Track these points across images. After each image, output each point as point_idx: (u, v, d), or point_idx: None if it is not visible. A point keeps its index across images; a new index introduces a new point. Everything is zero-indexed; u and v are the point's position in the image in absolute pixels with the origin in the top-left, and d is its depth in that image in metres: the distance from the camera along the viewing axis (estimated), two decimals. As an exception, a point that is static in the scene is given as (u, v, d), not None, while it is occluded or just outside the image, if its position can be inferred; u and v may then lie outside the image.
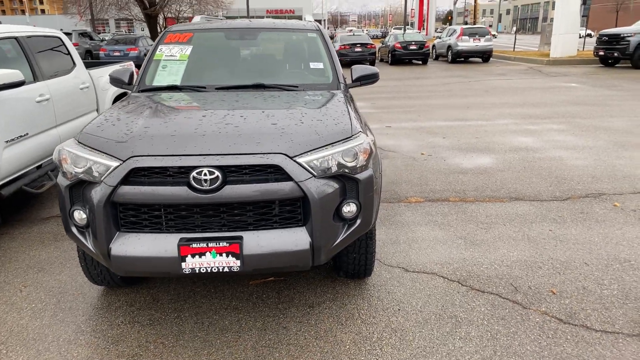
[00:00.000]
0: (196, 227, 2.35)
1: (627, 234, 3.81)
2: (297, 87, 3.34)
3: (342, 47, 19.92)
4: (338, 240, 2.47)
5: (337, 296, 3.02)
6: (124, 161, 2.29)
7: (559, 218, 4.17)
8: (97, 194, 2.28)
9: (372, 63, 20.93)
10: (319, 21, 78.68)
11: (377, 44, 24.40)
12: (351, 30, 64.58)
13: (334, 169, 2.42)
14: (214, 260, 2.29)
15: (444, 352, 2.48)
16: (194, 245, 2.26)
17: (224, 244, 2.27)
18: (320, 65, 3.57)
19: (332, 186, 2.39)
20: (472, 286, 3.10)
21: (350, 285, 3.13)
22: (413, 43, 20.58)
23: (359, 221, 2.54)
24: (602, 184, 5.00)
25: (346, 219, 2.51)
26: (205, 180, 2.23)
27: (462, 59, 21.71)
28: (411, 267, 3.36)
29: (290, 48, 3.78)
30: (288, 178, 2.29)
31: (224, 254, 2.29)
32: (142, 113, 2.71)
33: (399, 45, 20.51)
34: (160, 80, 3.42)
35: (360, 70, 3.61)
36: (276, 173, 2.30)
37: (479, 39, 20.33)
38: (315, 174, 2.35)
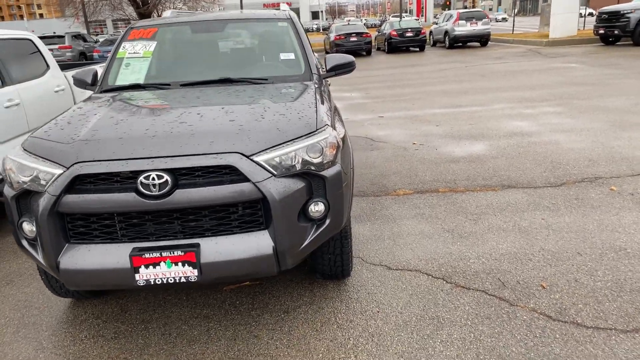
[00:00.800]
0: (150, 236, 2.19)
1: (624, 219, 3.62)
2: (266, 79, 3.17)
3: (337, 37, 19.65)
4: (306, 243, 2.31)
5: (314, 299, 2.86)
6: (67, 168, 2.13)
7: (552, 205, 3.99)
8: (41, 204, 2.13)
9: (369, 52, 20.67)
10: (316, 12, 78.04)
11: (374, 33, 24.08)
12: (349, 20, 64.05)
13: (298, 166, 2.25)
14: (169, 271, 2.14)
15: (422, 358, 2.31)
16: (147, 255, 2.11)
17: (178, 252, 2.11)
18: (291, 56, 3.38)
19: (295, 185, 2.23)
20: (457, 283, 2.93)
21: (329, 287, 2.98)
22: (409, 30, 20.26)
23: (328, 221, 2.37)
24: (598, 168, 4.79)
25: (314, 219, 2.34)
26: (154, 185, 2.07)
27: (460, 44, 21.36)
28: (394, 265, 3.19)
29: (260, 39, 3.59)
30: (244, 179, 2.12)
31: (180, 264, 2.13)
32: (95, 115, 2.55)
33: (395, 33, 20.20)
34: (123, 79, 3.26)
35: (334, 59, 3.42)
36: (232, 174, 2.13)
37: (476, 23, 19.97)
38: (276, 173, 2.18)
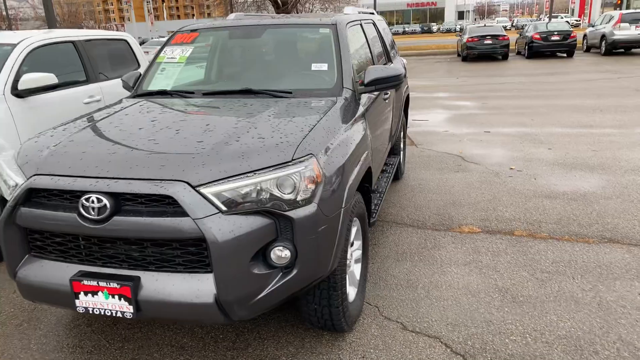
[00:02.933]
0: (97, 260, 2.03)
1: None
2: (290, 92, 2.83)
3: (470, 39, 18.25)
4: (265, 293, 1.94)
5: (299, 351, 2.46)
6: (27, 179, 2.06)
7: (662, 276, 2.99)
8: (3, 213, 2.10)
9: (505, 57, 18.87)
10: (462, 12, 74.29)
11: (515, 36, 21.95)
12: (497, 21, 59.70)
13: (262, 202, 1.89)
14: (107, 302, 1.95)
15: None
16: (86, 282, 1.95)
17: (114, 284, 1.91)
18: (324, 67, 2.98)
19: (252, 224, 1.87)
20: (480, 367, 2.29)
21: (323, 339, 2.55)
22: (555, 33, 17.95)
23: (295, 271, 1.98)
24: None
25: (278, 266, 1.96)
26: (93, 209, 1.89)
27: (622, 50, 18.32)
28: (412, 325, 2.63)
29: (296, 47, 3.25)
30: (185, 213, 1.83)
31: (116, 296, 1.93)
32: (85, 124, 2.48)
33: (538, 36, 18.06)
34: (156, 84, 3.20)
35: (375, 72, 2.94)
36: (174, 205, 1.86)
37: (644, 26, 16.88)
38: (225, 208, 1.85)
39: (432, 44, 28.51)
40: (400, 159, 4.89)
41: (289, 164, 1.97)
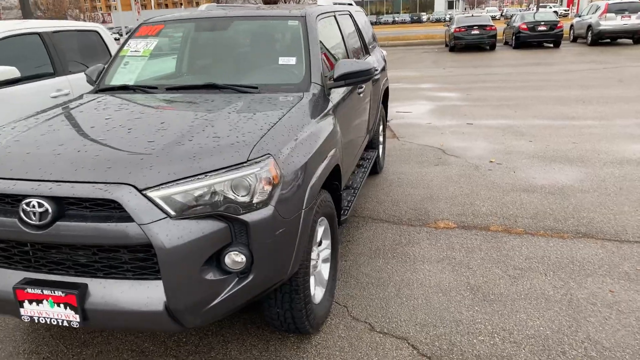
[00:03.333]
0: (42, 267, 1.94)
1: None
2: (255, 87, 2.73)
3: (457, 29, 18.16)
4: (220, 299, 1.87)
5: (263, 355, 2.40)
6: (-31, 181, 1.96)
7: (634, 273, 2.96)
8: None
9: (492, 47, 18.84)
10: (452, 2, 73.97)
11: (502, 26, 21.91)
12: (487, 11, 59.55)
13: (215, 205, 1.81)
14: (52, 311, 1.86)
15: None
16: (30, 290, 1.86)
17: (59, 292, 1.82)
18: (292, 61, 2.88)
19: (203, 229, 1.79)
20: (446, 369, 2.24)
21: (288, 342, 2.49)
22: (542, 23, 17.92)
23: (251, 276, 1.90)
24: None
25: (233, 271, 1.89)
26: (34, 213, 1.79)
27: (608, 40, 18.36)
28: (380, 325, 2.58)
29: (264, 40, 3.14)
30: (130, 218, 1.74)
31: (62, 305, 1.84)
32: (35, 122, 2.37)
33: (525, 27, 18.02)
34: (119, 78, 3.08)
35: (345, 66, 2.85)
36: (120, 210, 1.77)
37: (629, 16, 16.91)
38: (173, 213, 1.77)
39: (420, 34, 28.39)
40: (379, 153, 4.83)
41: (244, 165, 1.88)
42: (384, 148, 5.30)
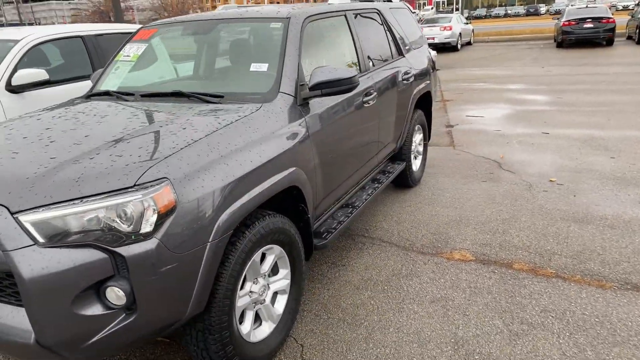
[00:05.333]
0: None
1: None
2: (221, 97, 2.52)
3: (566, 22, 16.22)
4: (101, 336, 1.69)
5: (189, 391, 2.20)
6: None
7: (683, 349, 2.25)
8: None
9: (610, 42, 16.57)
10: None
11: (625, 18, 19.17)
12: (610, 1, 52.95)
13: (89, 234, 1.64)
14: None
15: None
16: None
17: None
18: (263, 68, 2.61)
19: (74, 260, 1.62)
20: None
21: (220, 380, 2.25)
22: (676, 14, 15.31)
23: (137, 313, 1.70)
24: None
25: (115, 307, 1.70)
26: None
27: None
28: (328, 375, 2.24)
29: (244, 44, 2.90)
30: (-1, 242, 1.63)
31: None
32: None
33: (653, 18, 15.55)
34: (107, 84, 3.06)
35: (321, 74, 2.51)
36: (-8, 233, 1.66)
37: None
38: (42, 240, 1.62)
39: (527, 28, 26.03)
40: (411, 165, 4.35)
41: (129, 190, 1.68)
42: (424, 159, 4.79)
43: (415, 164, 4.62)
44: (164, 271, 1.70)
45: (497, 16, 56.63)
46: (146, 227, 1.67)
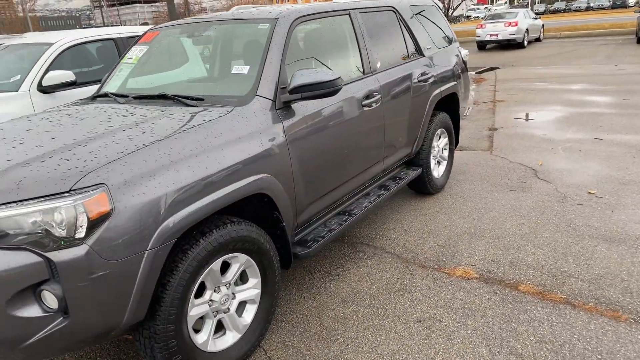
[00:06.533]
0: None
1: None
2: (202, 99, 2.49)
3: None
4: (37, 338, 1.72)
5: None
6: None
7: (696, 401, 1.91)
8: None
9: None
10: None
11: None
12: None
13: (22, 237, 1.67)
14: None
15: None
16: None
17: None
18: (245, 70, 2.55)
19: (8, 262, 1.65)
20: None
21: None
22: None
23: (69, 320, 1.71)
24: None
25: (51, 310, 1.72)
26: None
27: None
28: (285, 393, 2.14)
29: (231, 46, 2.84)
30: (-58, 244, 1.69)
31: None
32: None
33: None
34: (110, 85, 3.14)
35: (301, 77, 2.41)
36: None
37: None
38: (-16, 241, 1.67)
39: (606, 22, 23.98)
40: (429, 172, 4.11)
41: (64, 195, 1.69)
42: (449, 165, 4.52)
43: (438, 170, 4.37)
44: (95, 278, 1.69)
45: (578, 9, 52.83)
46: (79, 233, 1.67)
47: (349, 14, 3.23)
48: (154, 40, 3.16)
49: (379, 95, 3.22)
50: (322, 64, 2.94)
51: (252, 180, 2.20)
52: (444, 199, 4.25)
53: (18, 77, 4.20)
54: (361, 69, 3.20)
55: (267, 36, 2.62)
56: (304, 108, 2.61)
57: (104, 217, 1.71)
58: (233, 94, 2.49)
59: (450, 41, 4.55)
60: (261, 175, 2.26)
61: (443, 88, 4.10)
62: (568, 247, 3.22)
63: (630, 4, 53.89)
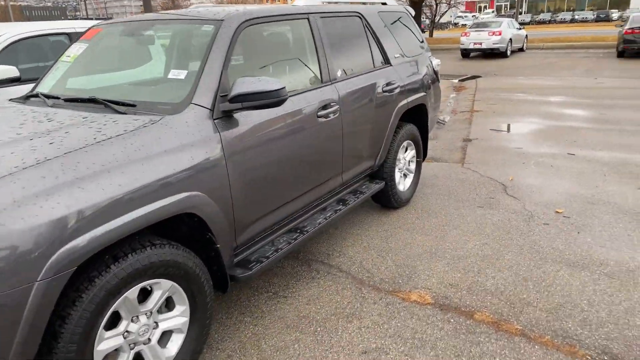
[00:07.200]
0: None
1: None
2: (134, 105, 2.27)
3: (629, 31, 14.87)
4: None
5: None
6: None
7: None
8: None
9: (678, 53, 15.04)
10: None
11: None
12: None
13: None
14: None
15: None
16: None
17: None
18: (182, 75, 2.34)
19: None
20: None
21: None
22: None
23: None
24: None
25: None
26: None
27: None
28: None
29: (172, 48, 2.62)
30: None
31: None
32: None
33: None
34: (43, 85, 2.90)
35: (242, 85, 2.21)
36: None
37: None
38: None
39: (588, 35, 24.26)
40: (394, 185, 3.94)
41: None
42: (416, 178, 4.35)
43: (404, 184, 4.20)
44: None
45: (563, 21, 53.56)
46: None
47: (308, 19, 3.03)
48: (95, 38, 2.92)
49: (337, 106, 3.03)
50: (273, 71, 2.74)
51: (177, 199, 1.98)
52: (408, 213, 4.08)
53: (-43, 71, 3.91)
54: (319, 77, 3.01)
55: (210, 39, 2.40)
56: (248, 118, 2.41)
57: (-18, 243, 1.48)
58: (166, 101, 2.27)
59: (420, 50, 4.38)
60: (189, 193, 2.04)
61: (410, 99, 3.93)
62: (529, 272, 3.06)
63: (613, 18, 54.87)
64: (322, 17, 3.16)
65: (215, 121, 2.25)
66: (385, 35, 3.82)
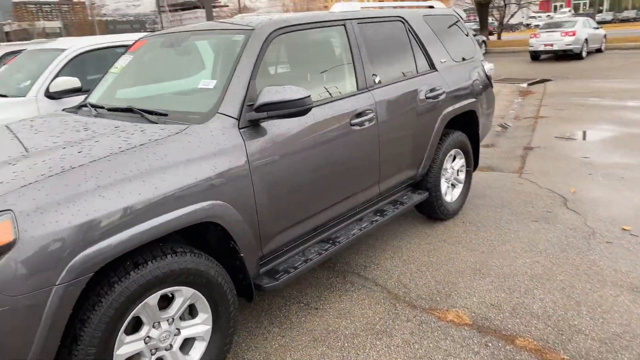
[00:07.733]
0: None
1: None
2: (165, 115, 2.33)
3: None
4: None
5: None
6: None
7: None
8: None
9: None
10: None
11: None
12: None
13: None
14: None
15: None
16: None
17: None
18: (211, 85, 2.36)
19: None
20: None
21: None
22: None
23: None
24: None
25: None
26: None
27: None
28: None
29: (203, 58, 2.65)
30: None
31: None
32: None
33: None
34: (94, 95, 3.06)
35: (268, 94, 2.19)
36: None
37: None
38: None
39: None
40: (439, 196, 3.76)
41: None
42: (466, 188, 4.14)
43: (452, 194, 4.00)
44: (-10, 314, 1.55)
45: (625, 20, 49.24)
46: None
47: (344, 25, 2.97)
48: (140, 49, 3.05)
49: (373, 114, 2.94)
50: (306, 79, 2.71)
51: (197, 208, 1.99)
52: (455, 225, 3.88)
53: (28, 82, 4.25)
54: (354, 85, 2.94)
55: (240, 48, 2.42)
56: (276, 128, 2.39)
57: (4, 248, 1.56)
58: (196, 110, 2.30)
59: (471, 54, 4.17)
60: (210, 202, 2.05)
61: (458, 105, 3.74)
62: (584, 295, 2.79)
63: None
64: (359, 23, 3.09)
65: (241, 130, 2.25)
66: (430, 39, 3.67)
